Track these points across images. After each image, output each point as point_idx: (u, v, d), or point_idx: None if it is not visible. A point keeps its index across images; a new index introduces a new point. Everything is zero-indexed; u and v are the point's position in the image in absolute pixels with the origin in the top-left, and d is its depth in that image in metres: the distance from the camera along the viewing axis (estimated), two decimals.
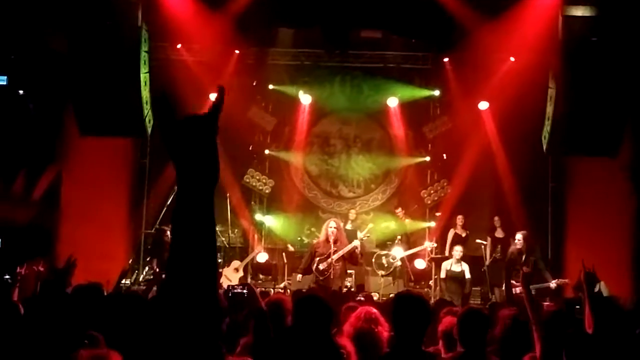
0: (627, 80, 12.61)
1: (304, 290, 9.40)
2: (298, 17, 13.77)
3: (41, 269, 7.44)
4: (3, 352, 4.56)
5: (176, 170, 1.63)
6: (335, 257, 11.48)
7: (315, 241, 12.66)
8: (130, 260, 13.58)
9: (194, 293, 1.55)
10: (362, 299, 9.30)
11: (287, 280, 13.96)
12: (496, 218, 14.63)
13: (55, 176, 14.94)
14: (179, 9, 13.36)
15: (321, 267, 11.55)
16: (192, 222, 1.58)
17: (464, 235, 14.41)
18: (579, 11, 12.89)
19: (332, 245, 11.47)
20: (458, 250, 12.89)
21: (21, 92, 14.04)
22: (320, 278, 11.52)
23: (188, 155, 1.60)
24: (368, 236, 13.28)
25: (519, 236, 12.54)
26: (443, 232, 15.00)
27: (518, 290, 8.45)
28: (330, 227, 11.64)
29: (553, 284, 11.85)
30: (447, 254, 14.30)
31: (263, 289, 10.45)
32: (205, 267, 1.58)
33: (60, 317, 5.17)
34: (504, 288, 12.18)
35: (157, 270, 12.58)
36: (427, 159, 16.04)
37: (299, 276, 12.23)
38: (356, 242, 11.91)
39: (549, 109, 13.02)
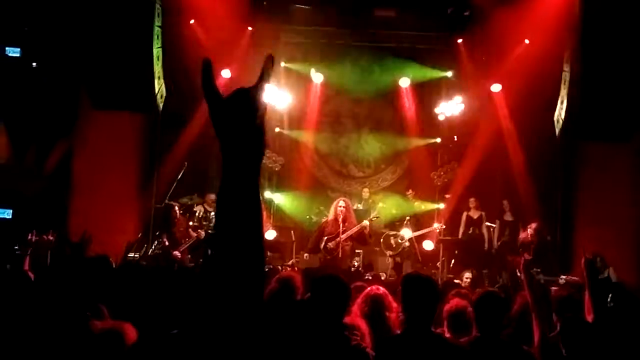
0: None
1: (314, 269, 9.47)
2: None
3: (51, 238, 7.48)
4: (13, 323, 4.61)
5: (221, 146, 1.62)
6: (344, 236, 11.50)
7: (324, 220, 12.67)
8: (140, 234, 13.63)
9: (241, 270, 1.56)
10: (370, 277, 9.35)
11: (295, 258, 14.01)
12: (505, 202, 14.63)
13: (67, 149, 15.00)
14: None
15: (329, 245, 11.58)
16: (238, 202, 1.58)
17: (476, 217, 14.41)
18: None
19: (340, 225, 11.49)
20: (468, 278, 12.31)
21: (34, 64, 14.05)
22: (328, 257, 11.55)
23: (236, 131, 1.59)
24: (377, 217, 13.29)
25: (531, 227, 12.56)
26: (452, 214, 15.01)
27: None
28: (340, 207, 11.65)
29: (562, 280, 11.81)
30: (460, 236, 14.35)
31: (271, 266, 10.47)
32: (252, 249, 1.58)
33: (72, 288, 5.22)
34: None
35: (167, 244, 12.63)
36: (438, 140, 16.02)
37: (306, 255, 12.25)
38: (365, 222, 11.92)
39: (563, 93, 12.95)
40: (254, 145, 1.58)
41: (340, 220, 11.52)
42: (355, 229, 11.63)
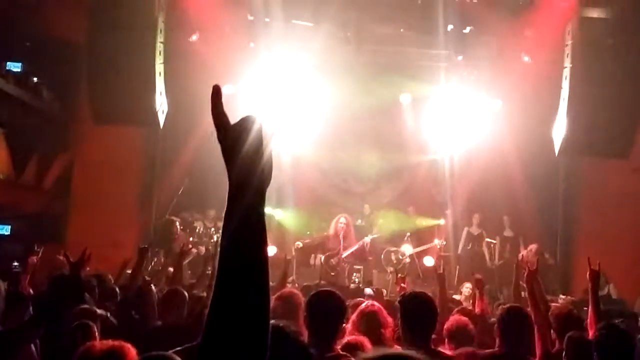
0: (639, 82, 12.60)
1: (312, 285, 9.47)
2: (315, 12, 13.77)
3: (61, 257, 7.48)
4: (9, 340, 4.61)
5: (228, 172, 1.63)
6: (345, 254, 11.51)
7: (325, 234, 12.70)
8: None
9: (243, 314, 1.55)
10: (372, 293, 9.35)
11: (295, 274, 13.99)
12: (505, 217, 14.64)
13: (67, 164, 15.03)
14: (196, 1, 13.40)
15: (332, 262, 11.58)
16: (244, 228, 1.57)
17: (476, 233, 14.43)
18: (595, 13, 12.86)
19: (341, 241, 11.50)
20: (468, 288, 12.39)
21: (35, 79, 14.10)
22: (332, 273, 11.56)
23: (243, 158, 1.60)
24: (377, 236, 13.31)
25: (531, 249, 12.60)
26: (453, 229, 15.01)
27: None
28: (341, 223, 11.68)
29: (561, 299, 11.79)
30: (459, 251, 14.35)
31: (272, 283, 10.45)
32: (255, 286, 1.58)
33: (70, 308, 5.23)
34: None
35: (163, 260, 12.62)
36: (439, 156, 16.04)
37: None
38: (366, 239, 11.93)
39: (562, 110, 12.98)
40: (260, 172, 1.60)
41: (340, 236, 11.53)
42: (356, 247, 11.65)
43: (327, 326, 4.14)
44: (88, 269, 6.91)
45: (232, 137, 1.61)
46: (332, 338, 4.15)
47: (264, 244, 1.59)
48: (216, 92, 1.65)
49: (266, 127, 1.62)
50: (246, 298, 1.53)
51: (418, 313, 4.49)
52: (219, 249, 1.58)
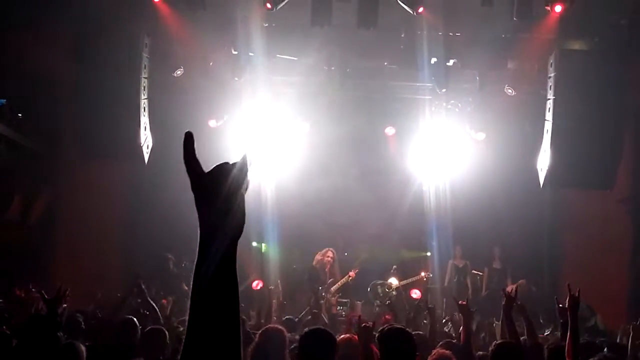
0: (622, 113, 12.74)
1: (295, 320, 9.45)
2: (299, 46, 13.85)
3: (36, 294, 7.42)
4: None
5: (200, 220, 1.61)
6: (333, 289, 11.48)
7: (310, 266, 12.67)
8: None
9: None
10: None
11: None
12: (496, 249, 14.66)
13: (51, 199, 14.93)
14: (181, 36, 13.46)
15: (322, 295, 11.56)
16: (214, 279, 1.56)
17: (461, 265, 14.42)
18: (577, 45, 13.04)
19: (327, 275, 11.48)
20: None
21: (20, 115, 14.05)
22: (314, 310, 11.58)
23: (215, 207, 1.58)
24: (357, 270, 13.33)
25: (519, 284, 12.64)
26: (439, 261, 15.00)
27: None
28: (328, 257, 11.65)
29: (547, 332, 11.76)
30: (446, 284, 14.32)
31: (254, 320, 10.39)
32: (227, 333, 1.56)
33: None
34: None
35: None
36: (425, 187, 16.06)
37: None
38: (351, 273, 11.91)
39: (546, 141, 13.07)
40: (231, 224, 1.58)
41: (327, 270, 11.51)
42: (342, 281, 11.63)
43: None
44: (65, 305, 6.83)
45: (205, 187, 1.59)
46: None
47: (234, 298, 1.57)
48: (188, 139, 1.61)
49: (240, 176, 1.60)
50: (216, 346, 1.52)
51: (397, 349, 4.48)
52: (189, 301, 1.57)
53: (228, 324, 1.53)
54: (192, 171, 1.60)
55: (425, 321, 13.41)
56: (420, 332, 7.75)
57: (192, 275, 1.57)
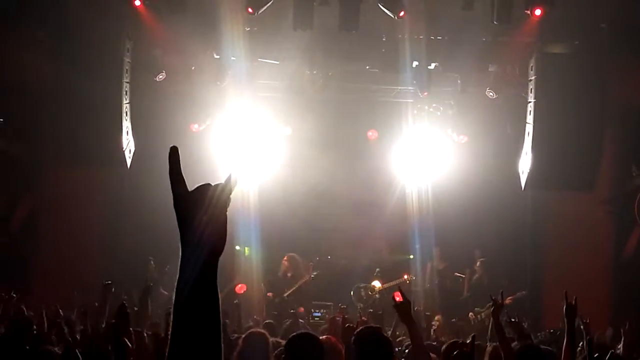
0: (602, 115, 12.86)
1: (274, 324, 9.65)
2: (281, 51, 13.85)
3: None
4: None
5: (181, 237, 1.61)
6: (286, 294, 11.67)
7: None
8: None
9: None
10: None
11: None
12: (477, 251, 14.71)
13: (33, 206, 14.82)
14: (163, 41, 13.43)
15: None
16: (195, 298, 1.57)
17: (441, 267, 14.47)
18: (557, 49, 13.14)
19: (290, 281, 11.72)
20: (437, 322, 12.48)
21: (1, 120, 13.97)
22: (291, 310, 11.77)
23: (197, 225, 1.59)
24: (313, 274, 13.63)
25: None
26: (421, 264, 15.03)
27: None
28: (284, 264, 11.89)
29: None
30: (427, 286, 14.37)
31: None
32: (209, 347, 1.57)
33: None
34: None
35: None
36: (408, 190, 16.09)
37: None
38: (307, 277, 12.25)
39: (527, 144, 13.14)
40: (211, 239, 1.58)
41: (289, 276, 11.76)
42: (295, 286, 11.92)
43: None
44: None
45: (186, 207, 1.59)
46: None
47: (214, 313, 1.58)
48: (173, 155, 1.61)
49: (222, 197, 1.60)
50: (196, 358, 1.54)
51: (373, 350, 4.49)
52: (171, 317, 1.57)
53: (208, 339, 1.54)
54: (175, 189, 1.59)
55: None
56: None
57: (175, 287, 1.57)
